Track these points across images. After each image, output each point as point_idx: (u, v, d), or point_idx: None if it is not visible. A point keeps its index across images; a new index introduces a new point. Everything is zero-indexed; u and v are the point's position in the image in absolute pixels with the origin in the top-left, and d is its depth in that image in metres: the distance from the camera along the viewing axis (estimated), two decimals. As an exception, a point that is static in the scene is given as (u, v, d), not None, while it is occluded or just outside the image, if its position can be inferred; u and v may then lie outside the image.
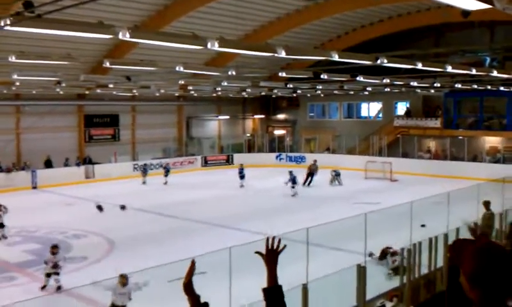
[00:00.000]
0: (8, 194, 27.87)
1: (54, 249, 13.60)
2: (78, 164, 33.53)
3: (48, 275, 13.32)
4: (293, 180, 27.18)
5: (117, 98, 35.43)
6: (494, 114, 36.14)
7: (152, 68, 18.59)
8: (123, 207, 13.91)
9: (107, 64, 18.59)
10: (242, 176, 30.48)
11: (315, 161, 32.20)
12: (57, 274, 13.33)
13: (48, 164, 32.72)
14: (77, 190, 29.18)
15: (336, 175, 30.84)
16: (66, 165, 33.15)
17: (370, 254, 13.65)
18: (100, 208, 15.84)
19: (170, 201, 25.64)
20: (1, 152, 31.26)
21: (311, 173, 31.22)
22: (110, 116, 37.67)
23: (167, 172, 32.68)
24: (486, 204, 14.78)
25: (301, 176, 29.26)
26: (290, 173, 27.68)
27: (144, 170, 32.85)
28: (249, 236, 16.34)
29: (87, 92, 32.54)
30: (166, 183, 31.78)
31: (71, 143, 35.35)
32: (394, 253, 13.55)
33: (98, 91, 30.98)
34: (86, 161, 34.17)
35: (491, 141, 35.28)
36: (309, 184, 30.69)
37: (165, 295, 12.02)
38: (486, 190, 17.69)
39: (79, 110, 36.01)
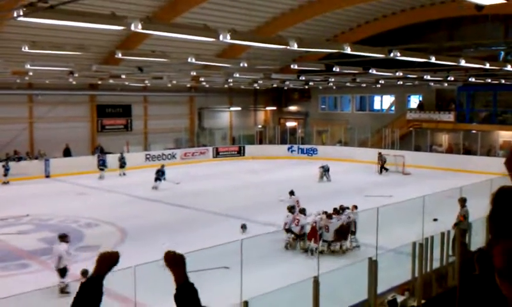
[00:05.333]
0: (20, 183, 28.15)
1: None
2: (95, 153, 33.58)
3: None
4: (163, 175, 26.71)
5: (129, 89, 35.59)
6: (508, 108, 35.74)
7: (164, 60, 18.62)
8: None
9: (119, 55, 18.72)
10: (158, 178, 26.64)
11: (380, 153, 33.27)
12: None
13: (66, 153, 32.99)
14: (89, 179, 29.36)
15: (325, 171, 29.51)
16: (95, 153, 33.49)
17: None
18: (244, 227, 16.15)
19: (182, 191, 25.70)
20: (14, 141, 31.49)
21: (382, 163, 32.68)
22: (122, 107, 37.83)
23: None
24: (462, 201, 14.58)
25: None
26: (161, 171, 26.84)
27: (103, 163, 31.07)
28: (260, 229, 16.39)
29: (99, 82, 32.66)
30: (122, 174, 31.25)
31: (84, 133, 35.56)
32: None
33: (111, 81, 31.10)
34: (97, 150, 34.31)
35: (505, 135, 34.97)
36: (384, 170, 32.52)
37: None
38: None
39: (91, 100, 36.17)
